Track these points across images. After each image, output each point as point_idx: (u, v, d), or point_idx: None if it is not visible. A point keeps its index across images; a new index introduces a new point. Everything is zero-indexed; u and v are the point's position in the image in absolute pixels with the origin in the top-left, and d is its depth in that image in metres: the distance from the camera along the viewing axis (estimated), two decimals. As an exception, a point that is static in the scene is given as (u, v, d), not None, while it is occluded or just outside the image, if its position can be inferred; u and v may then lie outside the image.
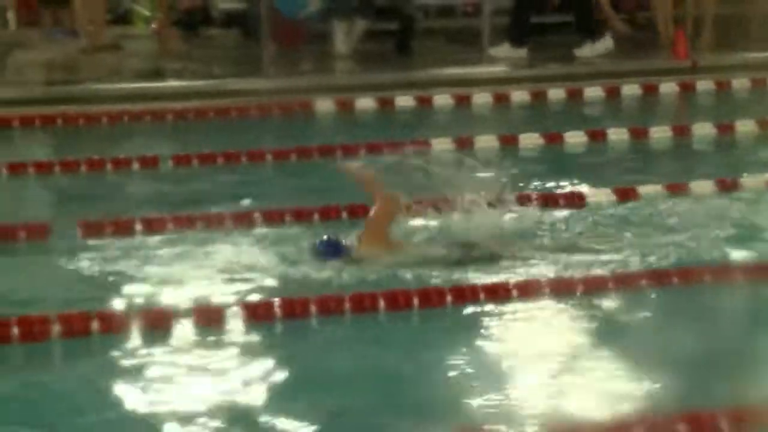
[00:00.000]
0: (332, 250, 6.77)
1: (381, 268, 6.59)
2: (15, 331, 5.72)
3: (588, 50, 12.89)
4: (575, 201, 8.01)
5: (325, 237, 6.85)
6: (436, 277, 6.50)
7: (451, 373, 5.43)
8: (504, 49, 12.89)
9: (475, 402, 5.13)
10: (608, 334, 5.95)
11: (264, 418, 4.96)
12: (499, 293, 6.28)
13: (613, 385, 5.29)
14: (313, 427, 4.87)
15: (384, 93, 11.31)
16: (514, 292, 6.29)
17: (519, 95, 11.42)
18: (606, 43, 12.94)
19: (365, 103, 11.09)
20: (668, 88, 11.69)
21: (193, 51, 13.42)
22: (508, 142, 9.71)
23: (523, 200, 7.81)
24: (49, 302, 6.21)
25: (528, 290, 6.30)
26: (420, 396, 5.22)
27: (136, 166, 9.03)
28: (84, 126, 10.39)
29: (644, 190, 8.09)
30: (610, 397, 5.16)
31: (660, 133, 9.91)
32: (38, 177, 8.79)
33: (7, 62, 11.79)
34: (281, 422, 4.92)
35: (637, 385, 5.28)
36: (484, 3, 13.37)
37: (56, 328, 5.77)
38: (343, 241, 6.83)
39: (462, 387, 5.29)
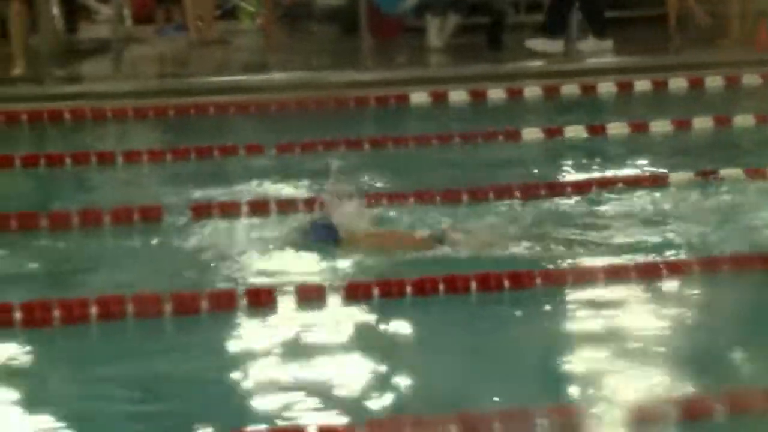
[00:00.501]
0: (325, 232, 6.68)
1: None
2: (129, 308, 5.77)
3: (590, 45, 12.79)
4: (658, 182, 7.95)
5: (317, 220, 6.75)
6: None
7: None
8: (540, 42, 12.78)
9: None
10: (690, 316, 5.88)
11: (362, 394, 4.96)
12: (586, 277, 6.23)
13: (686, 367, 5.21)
14: (412, 403, 4.87)
15: (476, 85, 11.29)
16: (602, 275, 6.23)
17: (605, 86, 11.35)
18: (608, 44, 12.82)
19: (458, 95, 11.08)
20: (751, 79, 11.53)
21: (295, 45, 13.51)
22: (596, 132, 9.67)
23: (607, 184, 7.75)
24: (161, 281, 6.28)
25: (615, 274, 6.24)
26: (519, 371, 5.17)
27: (242, 153, 9.11)
28: (194, 116, 10.49)
29: (726, 173, 8.01)
30: (688, 378, 5.10)
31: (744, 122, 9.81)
32: (151, 164, 8.89)
33: (123, 57, 11.94)
34: (375, 398, 4.91)
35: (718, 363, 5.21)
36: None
37: (168, 307, 5.82)
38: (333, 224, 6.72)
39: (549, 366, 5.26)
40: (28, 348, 5.47)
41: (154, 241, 7.03)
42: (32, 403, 4.86)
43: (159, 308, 5.79)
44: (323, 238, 6.67)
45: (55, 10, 11.85)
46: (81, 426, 4.65)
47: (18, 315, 5.66)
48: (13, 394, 4.94)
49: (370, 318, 5.87)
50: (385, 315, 5.86)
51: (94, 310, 5.72)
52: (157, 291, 5.92)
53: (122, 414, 4.80)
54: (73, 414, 4.75)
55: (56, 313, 5.68)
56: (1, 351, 5.39)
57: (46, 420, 4.68)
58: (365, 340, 5.57)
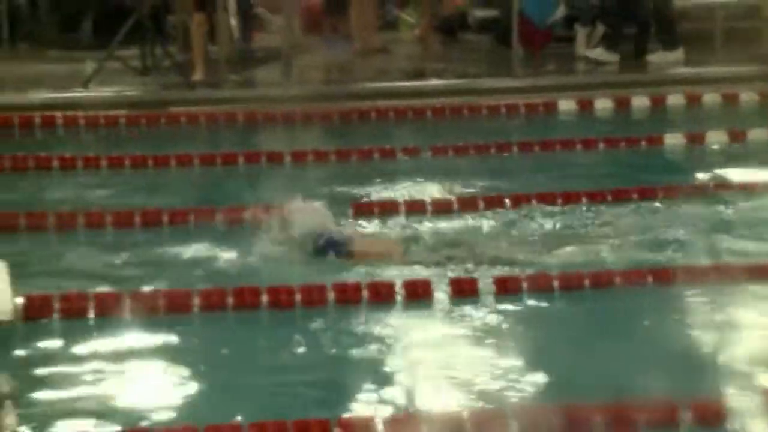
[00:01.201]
0: (333, 246, 6.46)
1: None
2: (297, 297, 5.81)
3: (660, 57, 12.54)
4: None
5: (327, 234, 6.53)
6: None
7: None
8: (598, 52, 12.70)
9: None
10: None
11: (515, 383, 4.93)
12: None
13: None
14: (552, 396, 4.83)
15: (621, 92, 11.14)
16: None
17: (747, 95, 11.09)
18: (677, 55, 12.55)
19: (603, 102, 10.95)
20: None
21: (451, 54, 13.49)
22: (737, 138, 9.47)
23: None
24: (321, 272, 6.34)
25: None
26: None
27: (400, 155, 9.15)
28: (356, 120, 10.55)
29: None
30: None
31: None
32: (316, 164, 8.97)
33: (292, 64, 12.09)
34: (519, 387, 4.88)
35: None
36: (715, 9, 13.06)
37: (331, 295, 5.86)
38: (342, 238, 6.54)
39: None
40: (205, 332, 5.58)
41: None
42: (216, 384, 4.95)
43: (323, 297, 5.84)
44: (330, 251, 6.44)
45: (233, 21, 12.05)
46: (260, 408, 4.69)
47: (196, 301, 5.75)
48: (197, 377, 5.01)
49: (517, 311, 5.83)
50: (532, 309, 5.82)
51: (264, 298, 5.78)
52: (321, 282, 5.97)
53: (294, 394, 4.86)
54: (252, 397, 4.83)
55: (230, 300, 5.77)
56: (183, 335, 5.50)
57: (230, 401, 4.76)
58: (514, 332, 5.53)
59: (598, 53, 12.72)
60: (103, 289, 5.88)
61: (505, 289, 5.95)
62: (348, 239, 6.54)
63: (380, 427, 4.36)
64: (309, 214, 6.67)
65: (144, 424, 4.45)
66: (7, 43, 11.95)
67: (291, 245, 6.52)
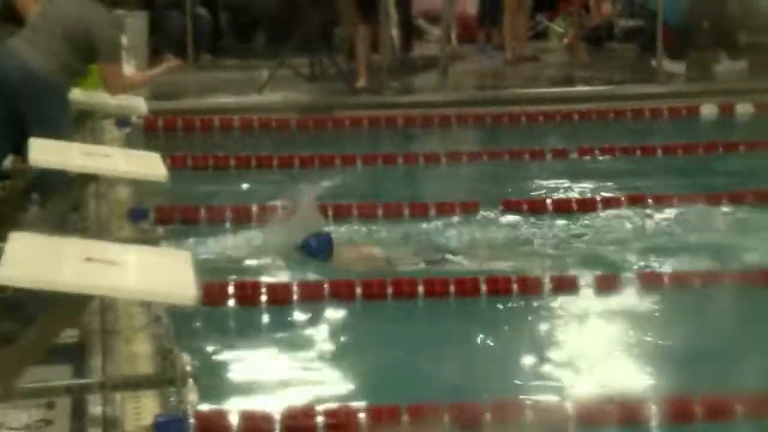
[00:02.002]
0: (319, 248, 6.25)
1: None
2: (451, 288, 5.83)
3: (726, 66, 12.06)
4: None
5: (317, 235, 6.35)
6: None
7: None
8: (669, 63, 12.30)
9: None
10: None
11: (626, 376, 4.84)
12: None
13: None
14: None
15: (763, 98, 10.82)
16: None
17: None
18: (741, 64, 12.09)
19: (744, 108, 10.65)
20: None
21: (598, 62, 13.30)
22: None
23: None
24: (473, 266, 6.34)
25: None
26: None
27: (548, 156, 9.07)
28: (507, 123, 10.49)
29: None
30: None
31: None
32: (470, 164, 8.96)
33: (448, 71, 12.09)
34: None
35: None
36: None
37: (483, 288, 5.85)
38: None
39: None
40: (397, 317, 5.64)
41: (470, 232, 7.09)
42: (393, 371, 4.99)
43: (477, 288, 5.83)
44: (315, 252, 6.23)
45: (394, 32, 12.10)
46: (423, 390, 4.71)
47: (390, 290, 5.79)
48: (364, 360, 5.09)
49: (656, 304, 5.73)
50: (674, 304, 5.71)
51: (420, 289, 5.80)
52: (474, 275, 5.97)
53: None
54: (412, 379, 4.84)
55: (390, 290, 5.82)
56: (346, 322, 5.57)
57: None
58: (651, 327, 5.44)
59: (669, 64, 12.42)
60: (273, 279, 5.97)
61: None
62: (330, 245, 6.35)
63: (529, 411, 4.32)
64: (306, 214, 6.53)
65: (315, 403, 4.50)
66: (191, 54, 12.24)
67: None
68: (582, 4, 14.04)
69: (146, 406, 4.04)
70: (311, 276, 6.07)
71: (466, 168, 8.90)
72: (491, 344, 5.28)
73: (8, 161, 6.28)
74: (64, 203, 5.26)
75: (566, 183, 8.28)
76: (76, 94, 6.49)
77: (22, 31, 6.09)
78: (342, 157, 8.84)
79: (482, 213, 7.40)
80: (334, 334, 5.44)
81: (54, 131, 5.45)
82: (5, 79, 5.89)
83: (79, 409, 3.99)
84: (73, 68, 6.01)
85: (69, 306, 3.45)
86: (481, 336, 5.35)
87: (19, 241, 3.59)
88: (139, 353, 4.59)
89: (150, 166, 4.83)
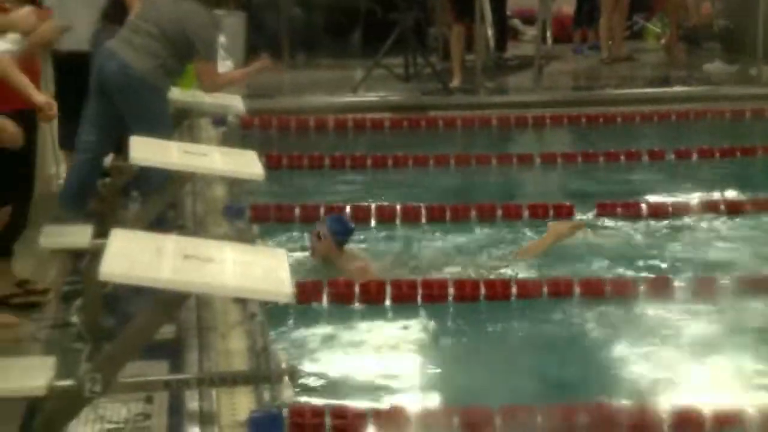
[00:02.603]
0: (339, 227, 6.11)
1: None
2: (545, 290, 5.81)
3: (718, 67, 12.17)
4: None
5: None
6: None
7: None
8: (716, 65, 12.33)
9: None
10: None
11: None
12: None
13: None
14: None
15: None
16: None
17: None
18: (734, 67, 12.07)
19: None
20: None
21: (695, 62, 13.10)
22: None
23: None
24: (569, 268, 6.31)
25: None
26: None
27: (645, 158, 8.96)
28: (602, 124, 10.40)
29: None
30: None
31: None
32: (564, 165, 8.89)
33: (543, 72, 12.01)
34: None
35: None
36: None
37: (577, 290, 5.82)
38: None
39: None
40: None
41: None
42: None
43: (570, 290, 5.80)
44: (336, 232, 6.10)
45: (489, 31, 12.07)
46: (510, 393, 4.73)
47: (482, 291, 5.80)
48: (454, 361, 5.11)
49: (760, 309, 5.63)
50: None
51: (514, 290, 5.81)
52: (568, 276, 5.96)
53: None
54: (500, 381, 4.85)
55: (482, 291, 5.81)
56: (438, 322, 5.58)
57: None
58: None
59: (717, 67, 12.30)
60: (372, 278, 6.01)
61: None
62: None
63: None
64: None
65: (406, 401, 4.52)
66: (286, 54, 12.34)
67: None
68: (680, 4, 13.85)
69: (241, 402, 4.09)
70: (405, 276, 6.09)
71: (560, 170, 8.84)
72: (590, 347, 5.26)
73: (109, 159, 6.41)
74: (163, 201, 5.35)
75: (663, 186, 8.18)
76: (175, 94, 6.59)
77: (121, 31, 6.20)
78: (435, 157, 8.84)
79: (577, 216, 7.33)
80: (425, 334, 5.45)
81: (152, 129, 5.56)
82: (105, 79, 6.01)
83: (177, 404, 4.05)
84: (170, 67, 6.11)
85: (167, 302, 3.51)
86: (578, 338, 5.35)
87: (120, 237, 3.65)
88: (234, 349, 4.65)
89: (247, 164, 4.89)
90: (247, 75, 7.11)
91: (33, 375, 3.49)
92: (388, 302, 5.73)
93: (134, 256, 3.46)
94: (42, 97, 4.94)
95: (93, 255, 4.57)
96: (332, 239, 6.11)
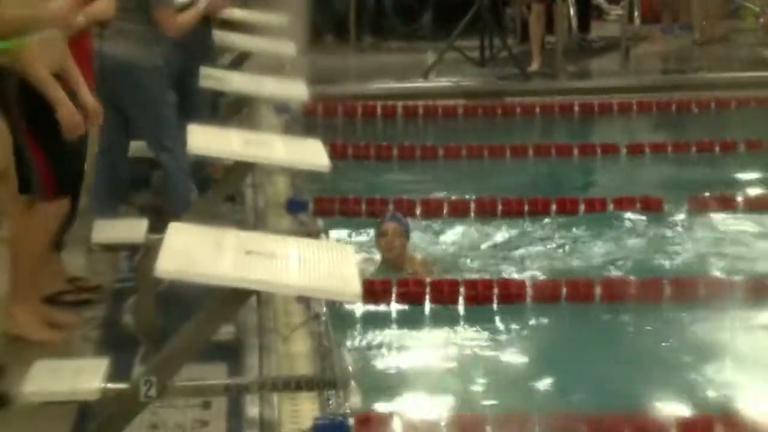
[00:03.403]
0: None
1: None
2: (598, 291, 5.79)
3: None
4: None
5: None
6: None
7: None
8: None
9: None
10: None
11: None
12: None
13: None
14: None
15: None
16: None
17: None
18: None
19: None
20: None
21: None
22: None
23: None
24: (655, 265, 6.25)
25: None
26: None
27: (741, 148, 8.86)
28: (695, 111, 10.29)
29: None
30: None
31: None
32: (653, 156, 8.81)
33: (629, 54, 11.90)
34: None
35: None
36: None
37: (667, 291, 5.78)
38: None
39: None
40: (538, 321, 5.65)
41: (653, 231, 6.99)
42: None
43: (659, 292, 5.77)
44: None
45: (571, 11, 11.99)
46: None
47: (563, 291, 5.80)
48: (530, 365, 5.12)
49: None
50: None
51: (598, 291, 5.78)
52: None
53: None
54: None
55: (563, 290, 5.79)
56: (513, 324, 5.58)
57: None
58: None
59: None
60: (437, 277, 6.02)
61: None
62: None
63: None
64: None
65: (479, 408, 4.52)
66: (353, 36, 12.36)
67: None
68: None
69: (304, 408, 4.11)
70: (477, 275, 6.09)
71: (648, 161, 8.76)
72: (681, 350, 5.24)
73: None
74: (222, 193, 5.39)
75: (760, 177, 8.08)
76: (235, 81, 6.64)
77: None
78: (512, 147, 8.82)
79: (666, 210, 7.27)
80: (502, 336, 5.47)
81: (156, 112, 5.66)
82: (102, 76, 6.02)
83: (236, 409, 4.08)
84: (149, 36, 6.12)
85: (227, 301, 3.54)
86: (670, 342, 5.34)
87: (178, 232, 3.69)
88: (297, 352, 4.67)
89: (311, 154, 4.90)
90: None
91: (85, 378, 3.53)
92: (461, 303, 5.72)
93: (192, 252, 3.50)
94: (90, 98, 4.89)
95: (148, 250, 4.61)
96: (406, 236, 6.20)
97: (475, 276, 6.07)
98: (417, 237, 6.72)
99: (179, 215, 4.98)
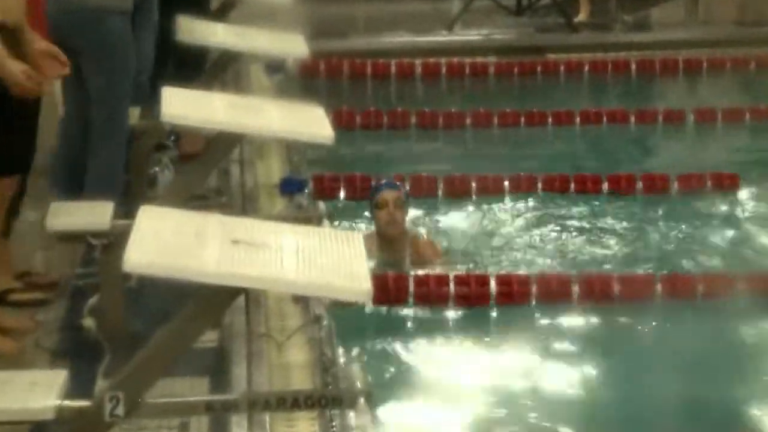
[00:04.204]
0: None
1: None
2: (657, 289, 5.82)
3: None
4: None
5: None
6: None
7: None
8: None
9: None
10: None
11: None
12: None
13: None
14: None
15: None
16: None
17: None
18: None
19: None
20: None
21: None
22: None
23: None
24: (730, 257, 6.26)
25: None
26: None
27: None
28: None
29: None
30: None
31: None
32: (725, 124, 8.81)
33: (699, 1, 11.90)
34: None
35: None
36: None
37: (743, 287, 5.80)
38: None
39: None
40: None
41: (725, 212, 7.02)
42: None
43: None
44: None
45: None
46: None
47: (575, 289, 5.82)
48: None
49: None
50: None
51: (658, 288, 5.81)
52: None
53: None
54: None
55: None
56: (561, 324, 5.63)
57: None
58: None
59: None
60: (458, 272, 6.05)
61: None
62: None
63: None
64: None
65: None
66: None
67: None
68: None
69: (303, 430, 4.12)
70: (511, 269, 6.11)
71: (720, 130, 8.77)
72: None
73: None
74: (206, 170, 5.40)
75: None
76: (220, 33, 6.64)
77: None
78: (555, 114, 8.84)
79: (743, 189, 7.29)
80: (539, 342, 5.50)
81: (110, 66, 5.66)
82: (57, 32, 5.98)
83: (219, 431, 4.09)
84: None
85: (210, 301, 3.54)
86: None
87: (150, 217, 3.69)
88: (293, 362, 4.68)
89: (311, 123, 4.90)
90: None
91: (39, 393, 3.54)
92: (491, 303, 5.75)
93: (167, 242, 3.50)
94: (45, 44, 4.87)
95: (114, 239, 4.62)
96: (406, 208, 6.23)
97: (508, 270, 6.06)
98: (440, 222, 6.73)
99: (96, 193, 4.99)
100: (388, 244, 6.17)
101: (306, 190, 6.86)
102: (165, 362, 3.68)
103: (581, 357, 5.34)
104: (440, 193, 7.25)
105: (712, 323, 5.60)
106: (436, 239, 6.43)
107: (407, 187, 6.75)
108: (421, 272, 5.95)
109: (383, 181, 6.45)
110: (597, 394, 5.04)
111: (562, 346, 5.48)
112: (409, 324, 5.66)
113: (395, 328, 5.57)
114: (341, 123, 7.95)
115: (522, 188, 7.31)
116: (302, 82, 9.29)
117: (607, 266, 6.27)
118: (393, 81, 10.04)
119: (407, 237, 6.23)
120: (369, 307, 5.47)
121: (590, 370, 5.21)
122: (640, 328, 5.65)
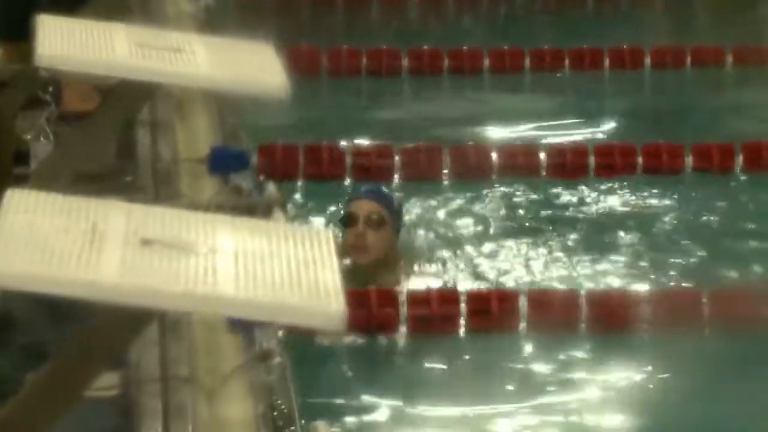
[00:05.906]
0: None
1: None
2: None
3: None
4: None
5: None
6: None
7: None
8: None
9: None
10: None
11: None
12: None
13: None
14: None
15: None
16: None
17: None
18: None
19: None
20: None
21: None
22: None
23: None
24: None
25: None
26: None
27: None
28: None
29: None
30: None
31: None
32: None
33: None
34: None
35: None
36: None
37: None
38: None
39: None
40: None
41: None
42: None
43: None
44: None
45: None
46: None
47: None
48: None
49: None
50: None
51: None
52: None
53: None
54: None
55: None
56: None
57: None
58: None
59: None
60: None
61: None
62: None
63: None
64: None
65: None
66: None
67: None
68: None
69: None
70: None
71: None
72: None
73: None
74: (97, 136, 5.45)
75: None
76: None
77: None
78: (613, 51, 8.98)
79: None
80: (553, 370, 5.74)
81: None
82: None
83: None
84: None
85: (109, 330, 3.57)
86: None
87: (18, 207, 3.73)
88: (231, 419, 4.74)
89: (256, 69, 4.95)
90: None
91: None
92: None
93: (46, 242, 3.54)
94: None
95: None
96: (393, 226, 6.35)
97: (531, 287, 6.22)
98: (443, 212, 6.83)
99: None
100: (353, 273, 6.22)
101: (248, 167, 6.91)
102: (42, 420, 3.72)
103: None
104: (445, 170, 7.31)
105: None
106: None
107: (398, 178, 6.84)
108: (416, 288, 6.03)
109: (363, 189, 6.54)
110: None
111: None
112: (399, 360, 5.74)
113: (377, 365, 5.65)
114: (300, 67, 7.99)
115: (565, 162, 7.39)
116: (241, 8, 9.35)
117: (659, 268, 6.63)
118: (374, 4, 10.12)
119: (390, 266, 6.29)
120: (342, 336, 5.54)
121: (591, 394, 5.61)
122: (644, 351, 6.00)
